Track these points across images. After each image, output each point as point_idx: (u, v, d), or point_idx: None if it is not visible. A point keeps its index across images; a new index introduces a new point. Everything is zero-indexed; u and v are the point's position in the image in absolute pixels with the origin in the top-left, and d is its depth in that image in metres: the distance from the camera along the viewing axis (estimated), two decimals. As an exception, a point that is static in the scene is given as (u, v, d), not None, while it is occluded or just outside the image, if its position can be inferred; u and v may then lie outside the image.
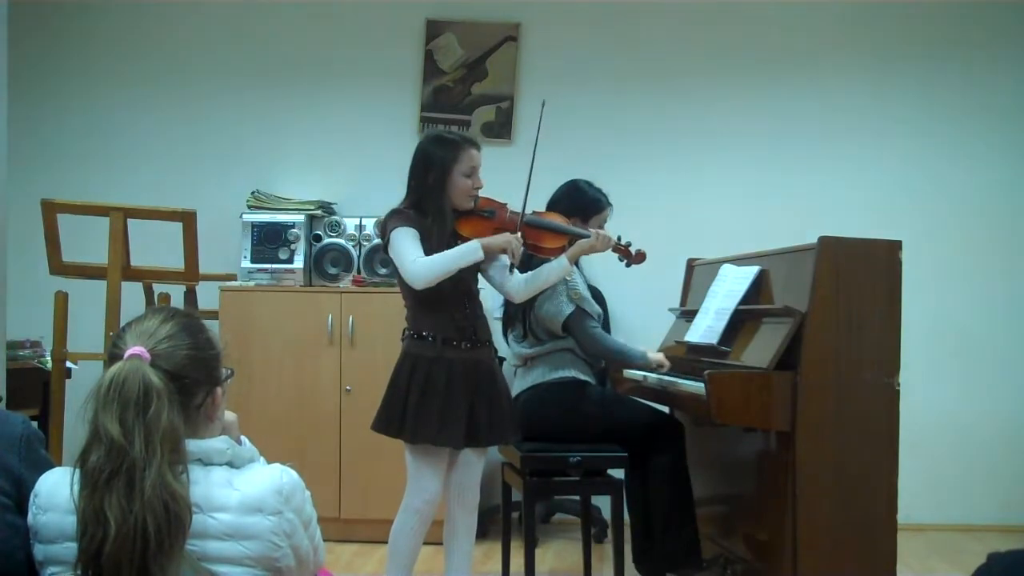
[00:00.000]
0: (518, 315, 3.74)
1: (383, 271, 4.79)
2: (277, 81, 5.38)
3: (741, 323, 3.56)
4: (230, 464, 1.69)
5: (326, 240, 4.89)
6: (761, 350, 3.32)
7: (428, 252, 3.12)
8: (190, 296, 4.44)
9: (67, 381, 4.13)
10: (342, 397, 4.68)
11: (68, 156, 5.41)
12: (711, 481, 3.88)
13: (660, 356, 3.68)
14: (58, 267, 4.11)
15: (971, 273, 5.18)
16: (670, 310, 4.32)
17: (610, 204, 3.78)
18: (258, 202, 4.99)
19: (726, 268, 3.80)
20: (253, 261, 4.84)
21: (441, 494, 3.27)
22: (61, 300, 4.07)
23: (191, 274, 4.15)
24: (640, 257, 3.53)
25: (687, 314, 4.05)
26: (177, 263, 4.16)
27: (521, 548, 3.72)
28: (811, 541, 3.18)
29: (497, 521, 4.47)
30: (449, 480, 3.29)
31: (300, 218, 4.87)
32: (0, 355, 3.80)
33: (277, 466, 1.72)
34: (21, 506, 1.69)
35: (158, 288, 4.44)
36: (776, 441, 3.29)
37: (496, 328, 3.67)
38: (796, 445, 3.16)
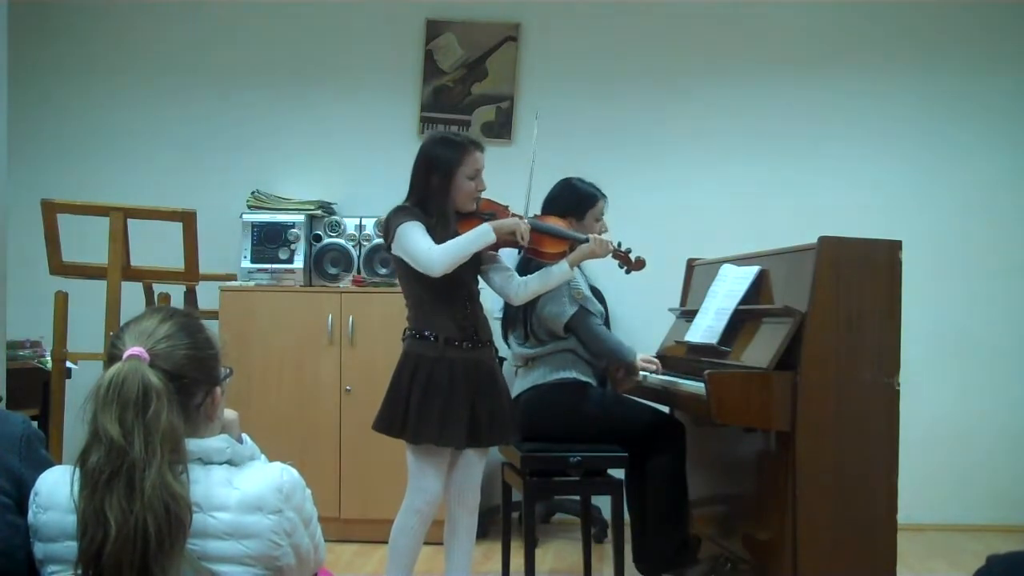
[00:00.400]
0: (519, 316, 3.74)
1: (383, 271, 4.79)
2: (277, 81, 5.38)
3: (741, 323, 3.56)
4: (230, 462, 1.69)
5: (326, 240, 4.89)
6: (761, 350, 3.32)
7: None
8: (190, 296, 4.44)
9: (67, 381, 4.13)
10: (342, 397, 4.68)
11: (68, 156, 5.41)
12: (711, 481, 3.88)
13: (644, 363, 3.68)
14: (58, 267, 4.11)
15: (971, 273, 5.18)
16: (670, 310, 4.32)
17: (604, 196, 3.78)
18: (258, 202, 5.00)
19: (726, 268, 3.80)
20: (253, 261, 4.84)
21: (442, 494, 3.27)
22: (61, 300, 4.07)
23: (191, 274, 4.14)
24: (639, 264, 3.54)
25: (687, 314, 4.05)
26: (177, 263, 4.16)
27: (521, 548, 3.72)
28: (811, 541, 3.18)
29: (497, 521, 4.47)
30: (450, 480, 3.29)
31: (300, 218, 4.87)
32: (0, 355, 3.80)
33: (277, 464, 1.72)
34: (21, 506, 1.69)
35: (158, 288, 4.44)
36: (776, 441, 3.29)
37: (496, 328, 3.67)
38: (796, 445, 3.16)
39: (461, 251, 3.11)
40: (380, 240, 4.61)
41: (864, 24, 5.26)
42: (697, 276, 4.27)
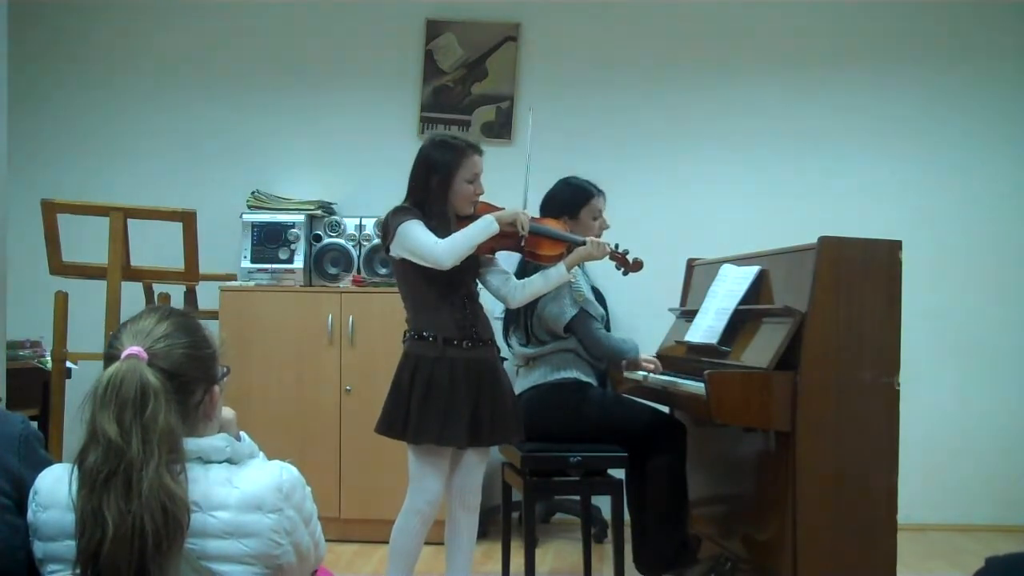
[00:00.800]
0: (519, 318, 3.74)
1: (383, 271, 4.79)
2: (277, 81, 5.38)
3: (741, 323, 3.56)
4: (229, 461, 1.69)
5: (326, 240, 4.89)
6: (761, 350, 3.32)
7: None
8: (190, 296, 4.44)
9: (67, 381, 4.12)
10: (342, 397, 4.68)
11: (68, 156, 5.41)
12: (711, 481, 3.88)
13: (647, 362, 3.66)
14: (58, 267, 4.11)
15: (971, 273, 5.18)
16: (670, 310, 4.32)
17: (600, 192, 3.78)
18: (258, 202, 5.00)
19: (726, 268, 3.80)
20: (253, 261, 4.84)
21: (443, 495, 3.27)
22: (61, 300, 4.06)
23: (191, 274, 4.14)
24: (637, 265, 3.54)
25: (687, 314, 4.05)
26: (177, 263, 4.16)
27: (521, 548, 3.72)
28: (811, 541, 3.17)
29: (497, 521, 4.47)
30: (451, 481, 3.29)
31: (300, 218, 4.87)
32: (0, 355, 3.80)
33: (276, 463, 1.72)
34: (21, 506, 1.68)
35: (158, 288, 4.44)
36: (776, 441, 3.29)
37: (498, 328, 3.67)
38: (796, 445, 3.16)
39: (468, 242, 3.11)
40: (380, 240, 4.60)
41: (864, 24, 5.26)
42: (697, 276, 4.27)
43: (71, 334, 4.09)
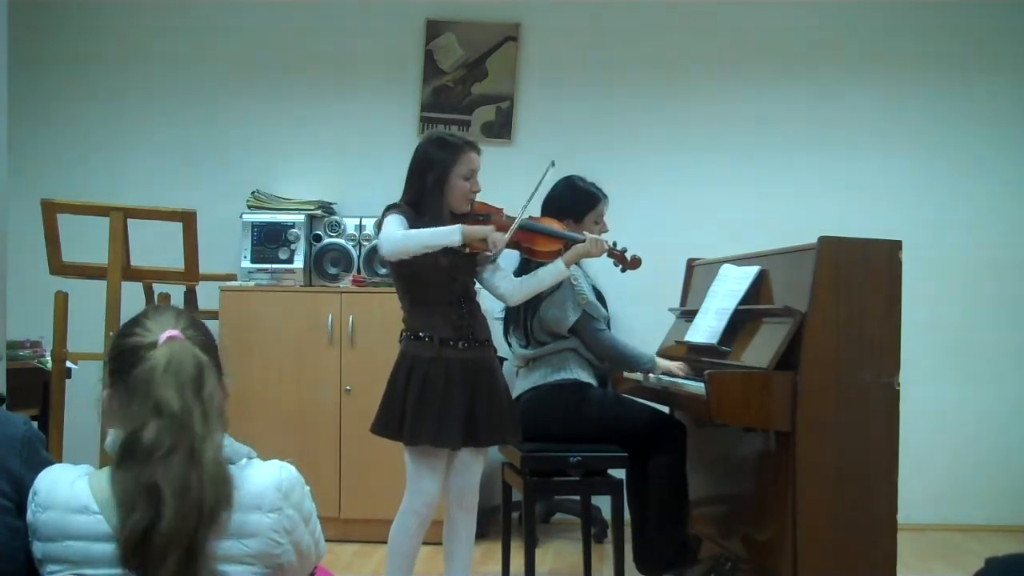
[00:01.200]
0: (519, 319, 3.74)
1: (383, 271, 4.79)
2: (277, 81, 5.38)
3: (741, 323, 3.56)
4: (228, 461, 1.69)
5: (326, 240, 4.89)
6: (761, 350, 3.32)
7: None
8: (190, 296, 4.43)
9: (67, 381, 4.12)
10: (342, 397, 4.68)
11: (68, 156, 5.41)
12: (711, 481, 3.88)
13: (670, 364, 3.65)
14: (58, 267, 4.10)
15: (971, 273, 5.18)
16: (670, 310, 4.32)
17: (605, 196, 3.78)
18: (258, 202, 5.00)
19: (726, 268, 3.80)
20: (253, 261, 4.84)
21: (440, 495, 3.26)
22: (61, 300, 4.06)
23: (191, 274, 4.14)
24: (635, 263, 3.53)
25: (687, 314, 4.05)
26: (177, 263, 4.15)
27: (521, 548, 3.71)
28: (811, 541, 3.17)
29: (497, 521, 4.47)
30: (449, 481, 3.29)
31: (300, 218, 4.87)
32: (0, 355, 3.80)
33: (275, 462, 1.72)
34: (21, 508, 1.68)
35: (158, 288, 4.43)
36: (776, 441, 3.29)
37: (497, 329, 3.67)
38: (796, 445, 3.16)
39: (421, 243, 3.07)
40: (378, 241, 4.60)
41: (865, 24, 5.27)
42: (697, 276, 4.27)
43: (71, 334, 4.08)
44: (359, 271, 4.86)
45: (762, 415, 3.17)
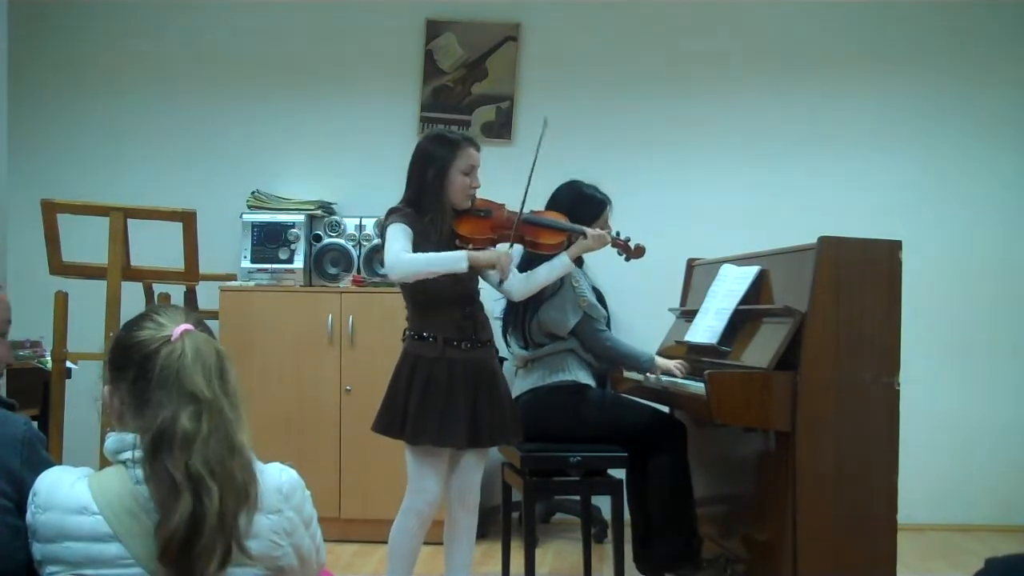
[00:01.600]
0: (517, 320, 3.73)
1: (383, 271, 4.79)
2: (277, 81, 5.38)
3: (741, 323, 3.56)
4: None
5: (326, 240, 4.89)
6: (761, 350, 3.32)
7: (425, 251, 3.12)
8: (190, 296, 4.43)
9: (67, 381, 4.12)
10: (342, 397, 4.68)
11: (68, 156, 5.41)
12: (711, 481, 3.88)
13: (669, 363, 3.65)
14: (58, 267, 4.10)
15: (971, 273, 5.18)
16: (670, 310, 4.32)
17: (610, 201, 3.77)
18: (258, 202, 5.00)
19: (726, 268, 3.80)
20: (253, 261, 4.84)
21: (441, 495, 3.26)
22: (61, 300, 4.06)
23: (191, 274, 4.14)
24: (639, 251, 3.53)
25: (687, 314, 4.05)
26: (177, 263, 4.15)
27: (521, 548, 3.71)
28: (811, 541, 3.17)
29: (497, 521, 4.47)
30: (450, 481, 3.29)
31: (300, 218, 4.87)
32: (0, 355, 3.79)
33: (276, 465, 1.72)
34: (21, 508, 1.68)
35: (158, 288, 4.43)
36: (776, 441, 3.29)
37: (497, 328, 3.67)
38: (796, 445, 3.16)
39: (426, 267, 3.09)
40: (379, 240, 4.60)
41: (865, 24, 5.26)
42: (697, 276, 4.27)
43: (71, 334, 4.08)
44: (359, 271, 4.86)
45: (762, 415, 3.17)
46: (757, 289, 3.58)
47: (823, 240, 3.22)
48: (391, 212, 3.23)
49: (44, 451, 1.79)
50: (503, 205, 3.36)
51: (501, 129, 5.30)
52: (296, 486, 1.71)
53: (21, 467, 1.72)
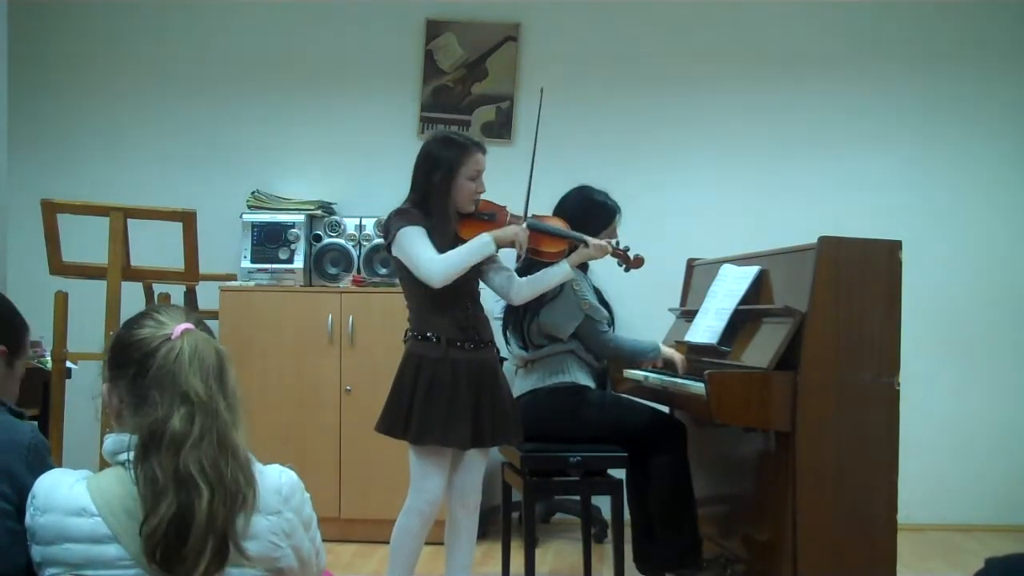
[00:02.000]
0: (517, 322, 3.73)
1: (383, 271, 4.79)
2: (277, 81, 5.38)
3: (741, 323, 3.56)
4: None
5: (326, 240, 4.89)
6: (761, 350, 3.32)
7: None
8: (190, 296, 4.43)
9: (67, 381, 4.12)
10: (342, 397, 4.68)
11: (68, 156, 5.41)
12: (711, 481, 3.88)
13: (675, 353, 3.66)
14: (58, 267, 4.10)
15: (971, 273, 5.18)
16: (670, 310, 4.32)
17: (619, 209, 3.78)
18: (258, 202, 5.00)
19: (726, 268, 3.80)
20: (253, 261, 4.84)
21: (444, 495, 3.26)
22: (61, 300, 4.06)
23: (191, 274, 4.14)
24: (638, 262, 3.53)
25: (687, 314, 4.05)
26: (177, 263, 4.16)
27: (521, 548, 3.72)
28: (811, 541, 3.17)
29: (497, 521, 4.47)
30: (452, 481, 3.29)
31: (300, 218, 4.87)
32: (0, 355, 3.79)
33: (276, 466, 1.72)
34: (22, 512, 1.68)
35: (158, 288, 4.43)
36: (776, 441, 3.29)
37: (497, 328, 3.67)
38: (796, 445, 3.16)
39: (462, 262, 3.12)
40: (380, 240, 4.61)
41: (865, 24, 5.26)
42: (697, 276, 4.27)
43: (71, 334, 4.09)
44: (359, 271, 4.86)
45: (762, 415, 3.17)
46: (757, 289, 3.58)
47: (823, 240, 3.22)
48: (399, 214, 3.22)
49: (50, 458, 1.80)
50: (505, 208, 3.35)
51: (501, 129, 5.30)
52: (295, 488, 1.70)
53: (25, 472, 1.72)
